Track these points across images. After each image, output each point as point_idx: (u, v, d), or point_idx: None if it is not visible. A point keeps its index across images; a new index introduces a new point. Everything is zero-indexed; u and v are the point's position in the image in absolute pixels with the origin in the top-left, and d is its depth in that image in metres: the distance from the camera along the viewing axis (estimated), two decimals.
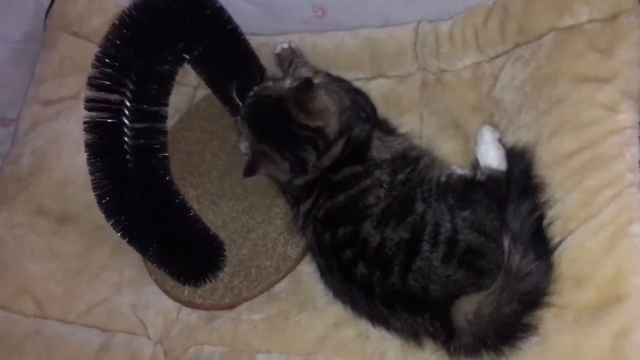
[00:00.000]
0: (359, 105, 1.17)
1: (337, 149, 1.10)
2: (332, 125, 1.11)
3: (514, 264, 0.94)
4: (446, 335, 0.97)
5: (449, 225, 1.00)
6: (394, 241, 1.01)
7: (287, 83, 1.15)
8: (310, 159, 1.10)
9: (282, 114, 1.10)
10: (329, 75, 1.24)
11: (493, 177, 1.04)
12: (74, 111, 1.37)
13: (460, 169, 1.08)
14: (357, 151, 1.10)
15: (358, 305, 1.06)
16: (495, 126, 1.14)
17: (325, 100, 1.12)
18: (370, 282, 1.02)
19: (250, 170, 1.12)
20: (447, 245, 0.98)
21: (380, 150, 1.10)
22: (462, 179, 1.06)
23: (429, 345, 1.02)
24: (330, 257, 1.08)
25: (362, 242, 1.03)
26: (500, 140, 1.09)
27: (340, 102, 1.13)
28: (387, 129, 1.17)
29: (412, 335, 1.01)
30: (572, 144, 1.02)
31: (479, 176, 1.05)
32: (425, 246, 0.99)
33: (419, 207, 1.03)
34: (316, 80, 1.15)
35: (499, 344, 0.94)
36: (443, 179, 1.06)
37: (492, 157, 1.06)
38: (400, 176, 1.06)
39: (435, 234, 0.99)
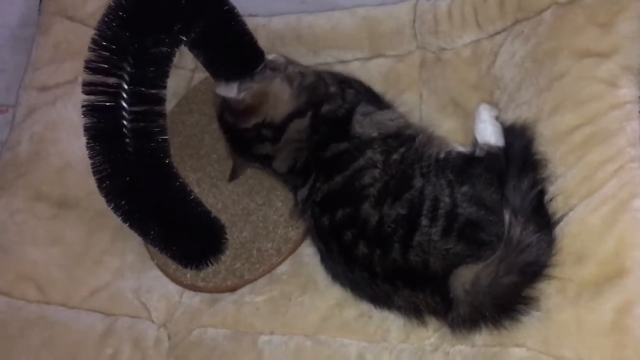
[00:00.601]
0: (335, 81, 1.18)
1: (302, 123, 1.13)
2: (277, 110, 1.15)
3: (515, 235, 0.94)
4: (445, 307, 0.98)
5: (447, 200, 1.00)
6: (391, 217, 1.01)
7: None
8: (268, 149, 1.16)
9: (227, 125, 1.21)
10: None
11: (491, 153, 1.04)
12: (71, 96, 1.37)
13: (460, 147, 1.08)
14: (337, 127, 1.11)
15: (359, 287, 1.07)
16: (495, 104, 1.13)
17: (260, 91, 1.16)
18: (371, 262, 1.02)
19: (232, 177, 1.24)
20: (446, 219, 0.99)
21: (364, 126, 1.10)
22: (461, 156, 1.06)
23: (432, 324, 1.02)
24: (329, 241, 1.08)
25: (362, 222, 1.03)
26: (497, 118, 1.09)
27: (297, 83, 1.16)
28: (384, 106, 1.17)
29: (415, 312, 1.02)
30: (572, 119, 1.02)
31: (478, 152, 1.05)
32: (424, 221, 0.99)
33: (417, 182, 1.03)
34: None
35: (498, 316, 0.94)
36: (442, 155, 1.06)
37: (489, 134, 1.06)
38: (395, 156, 1.06)
39: (434, 209, 1.00)
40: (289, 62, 1.23)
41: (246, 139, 1.18)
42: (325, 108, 1.14)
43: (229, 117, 1.19)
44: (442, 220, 0.99)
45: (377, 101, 1.18)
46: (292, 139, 1.15)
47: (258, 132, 1.16)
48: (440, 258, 0.98)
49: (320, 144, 1.12)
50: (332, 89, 1.16)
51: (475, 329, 0.97)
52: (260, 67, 1.21)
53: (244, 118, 1.17)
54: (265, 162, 1.18)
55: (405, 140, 1.09)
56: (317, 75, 1.19)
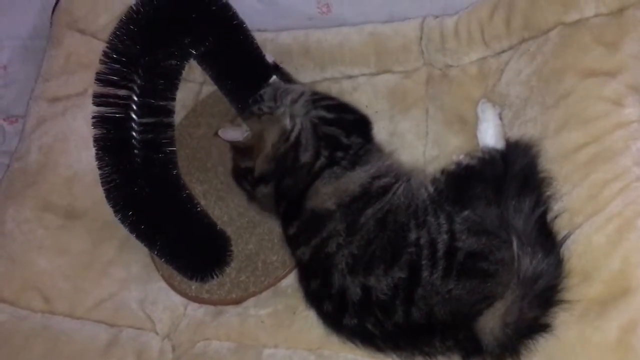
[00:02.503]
0: (316, 139, 1.13)
1: (266, 190, 1.15)
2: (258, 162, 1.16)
3: (525, 267, 0.93)
4: (469, 352, 0.95)
5: (445, 237, 0.97)
6: (387, 286, 0.97)
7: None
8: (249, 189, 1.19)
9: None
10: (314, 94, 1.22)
11: (487, 160, 1.03)
12: (80, 108, 1.38)
13: (456, 158, 1.07)
14: (293, 204, 1.11)
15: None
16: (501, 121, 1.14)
17: (258, 133, 1.16)
18: (364, 330, 1.00)
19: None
20: (445, 259, 0.96)
21: (322, 197, 1.07)
22: (451, 177, 1.03)
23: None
24: (312, 305, 1.08)
25: (338, 295, 1.01)
26: (500, 115, 1.10)
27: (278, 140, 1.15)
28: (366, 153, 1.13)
29: (423, 356, 0.99)
30: (578, 138, 1.02)
31: (470, 161, 1.04)
32: (425, 273, 0.96)
33: (413, 235, 0.99)
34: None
35: (519, 346, 0.93)
36: (431, 189, 1.03)
37: (490, 135, 1.06)
38: (362, 219, 1.03)
39: (432, 254, 0.97)
40: (285, 91, 1.21)
41: (240, 170, 1.21)
42: (287, 181, 1.13)
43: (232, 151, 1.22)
44: (442, 262, 0.96)
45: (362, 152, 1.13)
46: (262, 200, 1.18)
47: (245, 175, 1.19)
48: (443, 303, 0.94)
49: (284, 218, 1.14)
50: (305, 157, 1.12)
51: None
52: (263, 92, 1.22)
53: (243, 158, 1.19)
54: (247, 196, 1.22)
55: (377, 195, 1.05)
56: (298, 135, 1.14)
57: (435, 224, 0.99)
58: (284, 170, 1.13)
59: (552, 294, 0.93)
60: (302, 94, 1.20)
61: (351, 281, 1.00)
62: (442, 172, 1.06)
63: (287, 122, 1.16)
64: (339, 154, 1.11)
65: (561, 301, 0.93)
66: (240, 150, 1.19)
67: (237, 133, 1.16)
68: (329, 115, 1.16)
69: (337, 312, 1.02)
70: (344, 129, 1.14)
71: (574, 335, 0.92)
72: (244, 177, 1.19)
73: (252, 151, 1.17)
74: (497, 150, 1.06)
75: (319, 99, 1.19)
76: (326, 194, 1.07)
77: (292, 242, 1.11)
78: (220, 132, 1.17)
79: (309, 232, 1.06)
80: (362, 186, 1.06)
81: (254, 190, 1.18)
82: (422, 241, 0.98)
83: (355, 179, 1.08)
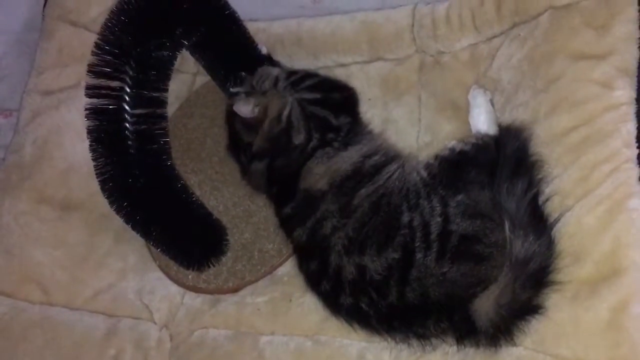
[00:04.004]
0: (306, 122, 1.14)
1: (260, 166, 1.16)
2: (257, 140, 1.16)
3: (517, 250, 0.94)
4: (464, 334, 0.96)
5: (439, 219, 0.98)
6: (382, 267, 0.98)
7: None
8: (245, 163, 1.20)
9: (231, 126, 1.22)
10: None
11: (481, 145, 1.04)
12: (74, 100, 1.38)
13: (446, 147, 1.07)
14: (286, 185, 1.12)
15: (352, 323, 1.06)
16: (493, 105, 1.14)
17: (264, 106, 1.16)
18: (359, 309, 1.01)
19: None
20: (439, 241, 0.97)
21: (315, 176, 1.08)
22: (445, 162, 1.04)
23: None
24: (311, 286, 1.09)
25: (334, 274, 1.02)
26: (491, 101, 1.10)
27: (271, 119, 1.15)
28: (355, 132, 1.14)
29: (417, 338, 1.00)
30: (568, 121, 1.03)
31: (463, 147, 1.04)
32: (419, 255, 0.97)
33: (405, 218, 1.00)
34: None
35: (512, 327, 0.95)
36: (424, 174, 1.04)
37: (482, 121, 1.07)
38: (356, 200, 1.04)
39: (426, 236, 0.97)
40: (279, 76, 1.21)
41: (240, 143, 1.21)
42: (279, 162, 1.14)
43: (237, 121, 1.20)
44: (436, 244, 0.97)
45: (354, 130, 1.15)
46: (255, 177, 1.19)
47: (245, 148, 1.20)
48: (438, 285, 0.95)
49: (277, 200, 1.15)
50: (298, 139, 1.13)
51: (495, 344, 0.96)
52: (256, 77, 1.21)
53: (249, 133, 1.18)
54: (242, 172, 1.23)
55: (368, 174, 1.06)
56: (289, 115, 1.15)
57: (429, 207, 1.00)
58: (278, 150, 1.14)
59: (544, 276, 0.94)
60: (276, 78, 1.20)
61: (347, 261, 1.01)
62: (436, 157, 1.07)
63: (284, 100, 1.17)
64: (330, 135, 1.12)
65: (553, 282, 0.94)
66: (248, 124, 1.18)
67: (247, 108, 1.16)
68: (312, 96, 1.16)
69: (333, 291, 1.03)
70: (332, 109, 1.14)
71: (566, 316, 0.93)
72: (243, 150, 1.19)
73: (256, 126, 1.17)
74: (490, 136, 1.07)
75: (298, 81, 1.19)
76: (318, 173, 1.08)
77: (287, 224, 1.12)
78: (235, 107, 1.17)
79: (303, 213, 1.07)
80: (354, 165, 1.08)
81: (249, 164, 1.18)
82: (415, 223, 0.99)
83: (347, 158, 1.09)
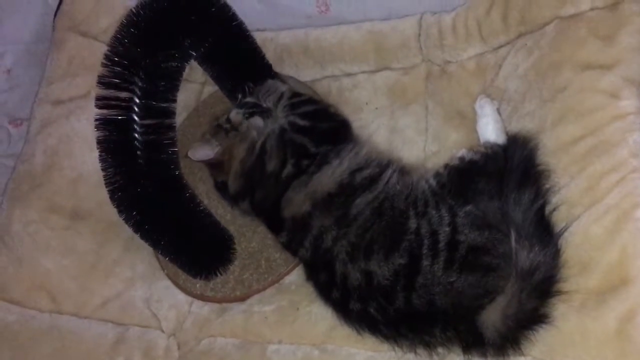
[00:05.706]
0: (281, 147, 1.13)
1: (245, 206, 1.18)
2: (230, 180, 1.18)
3: (522, 260, 0.94)
4: (470, 344, 0.96)
5: (447, 229, 0.98)
6: (389, 272, 0.99)
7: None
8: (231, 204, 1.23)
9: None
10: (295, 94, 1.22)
11: (490, 155, 1.04)
12: (84, 110, 1.39)
13: (455, 157, 1.08)
14: (271, 216, 1.14)
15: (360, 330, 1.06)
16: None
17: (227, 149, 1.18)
18: (368, 314, 1.01)
19: None
20: (447, 250, 0.97)
21: (298, 204, 1.09)
22: (455, 171, 1.04)
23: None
24: (323, 297, 1.10)
25: (341, 282, 1.03)
26: (498, 110, 1.11)
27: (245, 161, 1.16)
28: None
29: (424, 346, 1.00)
30: (575, 130, 1.03)
31: (473, 156, 1.05)
32: (425, 262, 0.97)
33: (412, 224, 1.00)
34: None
35: (520, 337, 0.95)
36: (433, 182, 1.04)
37: (490, 130, 1.07)
38: (354, 210, 1.04)
39: (433, 244, 0.98)
40: (284, 94, 1.21)
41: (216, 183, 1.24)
42: (258, 194, 1.15)
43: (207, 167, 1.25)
44: (444, 253, 0.97)
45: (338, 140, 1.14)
46: (246, 213, 1.21)
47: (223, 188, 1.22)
48: (444, 294, 0.96)
49: (270, 230, 1.17)
50: (271, 165, 1.13)
51: (504, 353, 0.95)
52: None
53: (218, 173, 1.22)
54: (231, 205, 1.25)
55: (359, 188, 1.06)
56: (263, 143, 1.15)
57: (437, 216, 1.00)
58: (253, 183, 1.15)
59: (550, 285, 0.94)
60: (281, 95, 1.21)
61: (352, 267, 1.02)
62: (445, 166, 1.07)
63: (254, 134, 1.17)
64: (305, 162, 1.12)
65: (559, 292, 0.94)
66: (213, 165, 1.21)
67: (207, 149, 1.18)
68: (302, 123, 1.16)
69: (343, 298, 1.04)
70: (314, 139, 1.13)
71: (573, 326, 0.93)
72: (223, 191, 1.22)
73: (223, 166, 1.19)
74: (499, 145, 1.07)
75: (298, 104, 1.19)
76: (300, 200, 1.09)
77: (288, 248, 1.14)
78: (189, 153, 1.18)
79: (299, 236, 1.09)
80: (338, 182, 1.08)
81: (234, 207, 1.22)
82: (423, 231, 0.99)
83: (324, 177, 1.09)
